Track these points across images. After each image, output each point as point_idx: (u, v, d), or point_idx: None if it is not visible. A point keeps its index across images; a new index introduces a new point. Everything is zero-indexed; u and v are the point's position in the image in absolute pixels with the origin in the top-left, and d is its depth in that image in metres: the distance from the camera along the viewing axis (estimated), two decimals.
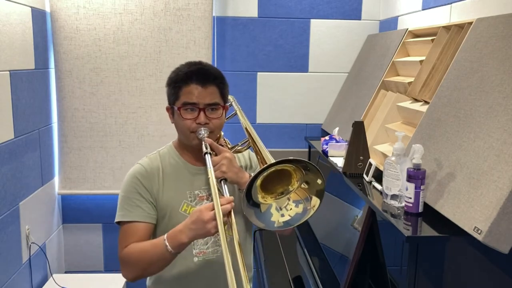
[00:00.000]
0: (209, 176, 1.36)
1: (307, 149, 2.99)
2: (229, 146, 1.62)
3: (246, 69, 2.94)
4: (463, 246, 1.35)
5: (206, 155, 1.42)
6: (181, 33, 2.73)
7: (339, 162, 2.09)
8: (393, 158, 1.53)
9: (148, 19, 2.70)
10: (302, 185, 1.30)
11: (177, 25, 2.72)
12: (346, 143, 2.06)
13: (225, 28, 2.90)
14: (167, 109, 1.56)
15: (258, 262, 2.41)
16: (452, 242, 1.35)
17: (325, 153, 2.32)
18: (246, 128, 1.61)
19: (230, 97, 1.66)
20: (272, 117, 3.01)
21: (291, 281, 2.13)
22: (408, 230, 1.36)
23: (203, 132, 1.45)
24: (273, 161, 1.27)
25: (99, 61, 2.71)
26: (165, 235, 1.34)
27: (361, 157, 1.90)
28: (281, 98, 2.99)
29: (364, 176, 1.86)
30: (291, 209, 1.30)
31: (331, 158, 2.23)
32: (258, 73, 2.96)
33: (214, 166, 1.40)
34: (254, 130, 1.57)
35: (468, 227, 1.22)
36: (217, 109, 1.48)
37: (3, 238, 2.14)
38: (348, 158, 1.92)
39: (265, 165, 1.23)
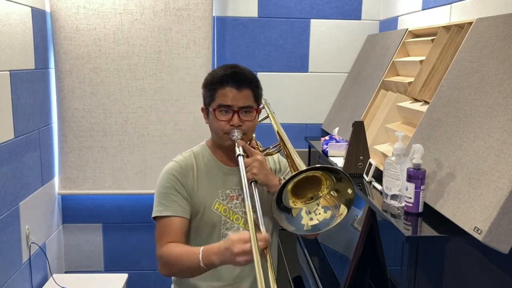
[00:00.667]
0: (243, 183, 1.38)
1: (307, 149, 2.99)
2: (260, 148, 1.66)
3: None
4: (463, 246, 1.35)
5: (239, 157, 1.45)
6: (181, 33, 2.73)
7: (339, 162, 2.10)
8: (393, 158, 1.53)
9: (148, 19, 2.70)
10: (332, 193, 1.33)
11: (177, 25, 2.72)
12: (346, 143, 2.06)
13: (225, 28, 2.90)
14: (202, 109, 1.59)
15: None
16: (452, 242, 1.35)
17: (325, 153, 2.32)
18: (278, 132, 1.65)
19: (262, 100, 1.70)
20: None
21: (291, 281, 2.13)
22: (408, 230, 1.36)
23: (236, 134, 1.49)
24: (303, 166, 1.29)
25: (99, 61, 2.71)
26: (201, 249, 1.35)
27: (361, 157, 1.91)
28: (281, 98, 2.99)
29: (364, 176, 1.86)
30: (319, 213, 1.33)
31: (331, 158, 2.23)
32: (258, 73, 2.96)
33: (245, 167, 1.44)
34: (285, 135, 1.61)
35: (468, 227, 1.22)
36: (250, 112, 1.52)
37: (3, 238, 2.14)
38: (348, 158, 1.92)
39: (296, 172, 1.27)
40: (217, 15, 2.88)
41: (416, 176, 1.43)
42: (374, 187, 1.76)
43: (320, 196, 1.33)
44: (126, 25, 2.69)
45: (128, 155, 2.79)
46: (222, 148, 1.57)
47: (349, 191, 1.29)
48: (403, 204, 1.48)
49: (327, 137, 2.39)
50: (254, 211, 1.34)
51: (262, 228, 1.29)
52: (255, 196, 1.37)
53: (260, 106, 1.59)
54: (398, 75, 2.25)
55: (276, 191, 1.27)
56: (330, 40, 2.95)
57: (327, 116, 2.98)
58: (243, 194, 1.52)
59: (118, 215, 2.94)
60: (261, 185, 1.47)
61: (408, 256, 1.35)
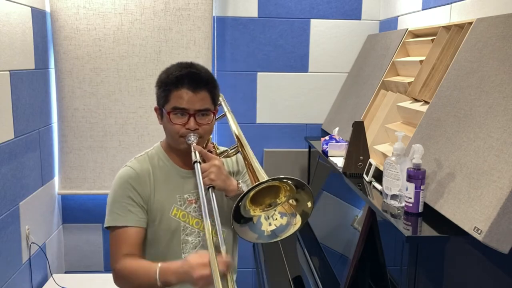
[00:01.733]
0: (199, 191, 1.35)
1: (307, 149, 2.99)
2: (217, 151, 1.61)
3: (246, 69, 2.94)
4: (463, 246, 1.35)
5: (196, 164, 1.40)
6: (181, 33, 2.73)
7: (339, 162, 2.09)
8: (393, 158, 1.53)
9: (148, 19, 2.70)
10: (291, 201, 1.31)
11: (177, 25, 2.72)
12: (346, 143, 2.06)
13: (225, 28, 2.90)
14: (156, 109, 1.53)
15: (258, 262, 2.41)
16: (452, 242, 1.35)
17: (325, 153, 2.32)
18: (235, 133, 1.58)
19: (220, 98, 1.65)
20: (272, 117, 3.01)
21: (291, 281, 2.13)
22: (408, 230, 1.36)
23: (192, 139, 1.43)
24: (262, 173, 1.28)
25: (99, 61, 2.71)
26: (158, 267, 1.32)
27: (361, 157, 1.90)
28: (281, 98, 2.99)
29: (364, 176, 1.86)
30: (276, 219, 1.33)
31: (331, 158, 2.23)
32: (258, 73, 2.96)
33: (202, 173, 1.39)
34: (243, 135, 1.54)
35: (468, 227, 1.22)
36: (207, 115, 1.46)
37: (3, 238, 2.14)
38: (348, 158, 1.92)
39: (254, 184, 1.24)
40: (217, 15, 2.88)
41: (416, 176, 1.42)
42: (374, 187, 1.76)
43: (278, 203, 1.32)
44: (126, 25, 2.69)
45: (128, 155, 2.79)
46: (177, 151, 1.51)
47: (309, 204, 1.28)
48: (403, 204, 1.48)
49: (327, 137, 2.39)
50: (212, 217, 1.32)
51: (223, 248, 1.27)
52: (212, 203, 1.34)
53: (217, 105, 1.53)
54: (398, 75, 2.25)
55: (232, 209, 1.23)
56: (330, 40, 2.95)
57: (327, 116, 2.98)
58: (200, 202, 1.50)
59: None
60: (219, 190, 1.43)
61: (408, 256, 1.35)
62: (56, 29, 2.65)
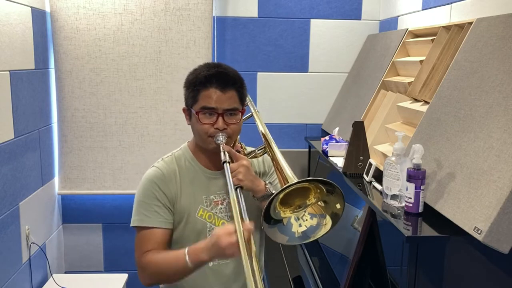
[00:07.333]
0: (229, 191, 1.34)
1: (307, 149, 2.99)
2: (245, 151, 1.60)
3: (246, 69, 2.94)
4: (463, 246, 1.35)
5: (225, 164, 1.40)
6: (181, 33, 2.73)
7: (339, 162, 2.10)
8: (393, 158, 1.53)
9: (148, 19, 2.70)
10: (320, 203, 1.30)
11: (177, 25, 2.72)
12: (346, 143, 2.06)
13: (225, 28, 2.90)
14: (184, 110, 1.53)
15: None
16: (452, 242, 1.35)
17: (325, 153, 2.32)
18: (262, 133, 1.58)
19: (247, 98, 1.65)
20: (272, 117, 3.01)
21: (291, 281, 2.13)
22: (408, 230, 1.36)
23: (221, 138, 1.43)
24: (291, 175, 1.27)
25: (99, 61, 2.71)
26: (186, 249, 1.33)
27: (361, 157, 1.90)
28: (281, 98, 2.99)
29: (364, 176, 1.86)
30: (306, 220, 1.31)
31: (331, 158, 2.23)
32: (258, 73, 2.96)
33: (231, 173, 1.39)
34: (270, 135, 1.55)
35: (468, 227, 1.22)
36: (235, 114, 1.47)
37: (3, 238, 2.14)
38: (348, 158, 1.92)
39: (286, 185, 1.23)
40: (217, 15, 2.88)
41: (416, 176, 1.42)
42: (374, 187, 1.76)
43: (308, 205, 1.31)
44: (126, 25, 2.69)
45: (128, 155, 2.79)
46: (205, 151, 1.52)
47: (338, 206, 1.27)
48: (403, 204, 1.48)
49: (327, 137, 2.39)
50: (241, 218, 1.29)
51: (245, 217, 1.27)
52: (241, 203, 1.33)
53: (245, 105, 1.53)
54: (398, 75, 2.25)
55: (263, 210, 1.23)
56: (330, 40, 2.95)
57: (327, 116, 2.98)
58: (228, 199, 1.50)
59: (118, 215, 2.94)
60: (247, 190, 1.42)
61: (408, 256, 1.35)
62: (56, 29, 2.65)
